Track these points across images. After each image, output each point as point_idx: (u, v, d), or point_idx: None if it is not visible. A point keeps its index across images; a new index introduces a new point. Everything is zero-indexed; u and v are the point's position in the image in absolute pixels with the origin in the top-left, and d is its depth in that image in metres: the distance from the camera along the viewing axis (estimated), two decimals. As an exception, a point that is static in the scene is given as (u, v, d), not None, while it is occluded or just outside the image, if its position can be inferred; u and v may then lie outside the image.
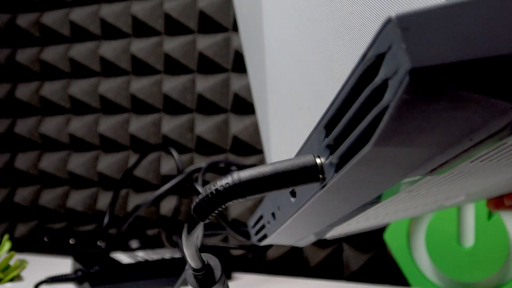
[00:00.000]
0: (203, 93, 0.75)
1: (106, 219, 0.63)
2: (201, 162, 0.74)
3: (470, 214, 0.50)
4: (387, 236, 0.52)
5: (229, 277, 0.61)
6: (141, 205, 0.61)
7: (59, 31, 0.85)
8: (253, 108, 0.72)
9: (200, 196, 0.20)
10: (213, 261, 0.25)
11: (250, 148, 0.72)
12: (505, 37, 0.13)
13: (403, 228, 0.51)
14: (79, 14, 0.83)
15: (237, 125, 0.73)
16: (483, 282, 0.49)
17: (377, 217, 0.30)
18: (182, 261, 0.56)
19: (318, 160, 0.19)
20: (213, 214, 0.20)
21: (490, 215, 0.49)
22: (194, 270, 0.24)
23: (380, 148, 0.15)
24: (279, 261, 0.69)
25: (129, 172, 0.72)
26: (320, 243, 0.68)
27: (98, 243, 0.69)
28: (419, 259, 0.51)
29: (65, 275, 0.50)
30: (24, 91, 0.87)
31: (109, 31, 0.82)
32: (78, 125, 0.83)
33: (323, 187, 0.20)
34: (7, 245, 0.46)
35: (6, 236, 0.48)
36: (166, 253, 0.59)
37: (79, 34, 0.84)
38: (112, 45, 0.81)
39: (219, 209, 0.20)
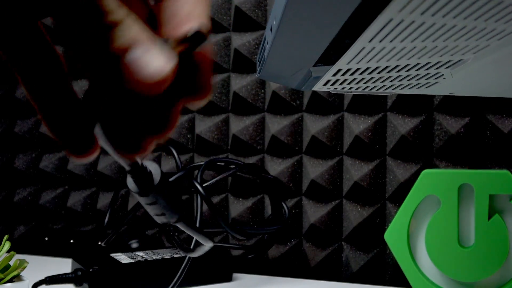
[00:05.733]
0: (203, 93, 0.75)
1: (106, 219, 0.63)
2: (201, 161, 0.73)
3: (470, 214, 0.50)
4: (387, 236, 0.52)
5: (229, 277, 0.61)
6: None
7: (59, 31, 0.85)
8: (253, 108, 0.72)
9: None
10: (154, 167, 0.25)
11: (250, 148, 0.72)
12: None
13: (403, 228, 0.51)
14: (79, 14, 0.83)
15: (237, 125, 0.73)
16: (483, 282, 0.49)
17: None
18: (182, 261, 0.56)
19: None
20: None
21: (490, 215, 0.49)
22: (128, 172, 0.24)
23: None
24: (279, 262, 0.69)
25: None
26: (320, 243, 0.68)
27: (98, 243, 0.69)
28: (419, 259, 0.51)
29: (64, 275, 0.50)
30: (24, 91, 0.87)
31: (109, 31, 0.81)
32: (78, 125, 0.83)
33: None
34: (7, 245, 0.46)
35: (6, 236, 0.48)
36: (166, 253, 0.59)
37: (79, 34, 0.83)
38: (112, 45, 0.81)
39: None
